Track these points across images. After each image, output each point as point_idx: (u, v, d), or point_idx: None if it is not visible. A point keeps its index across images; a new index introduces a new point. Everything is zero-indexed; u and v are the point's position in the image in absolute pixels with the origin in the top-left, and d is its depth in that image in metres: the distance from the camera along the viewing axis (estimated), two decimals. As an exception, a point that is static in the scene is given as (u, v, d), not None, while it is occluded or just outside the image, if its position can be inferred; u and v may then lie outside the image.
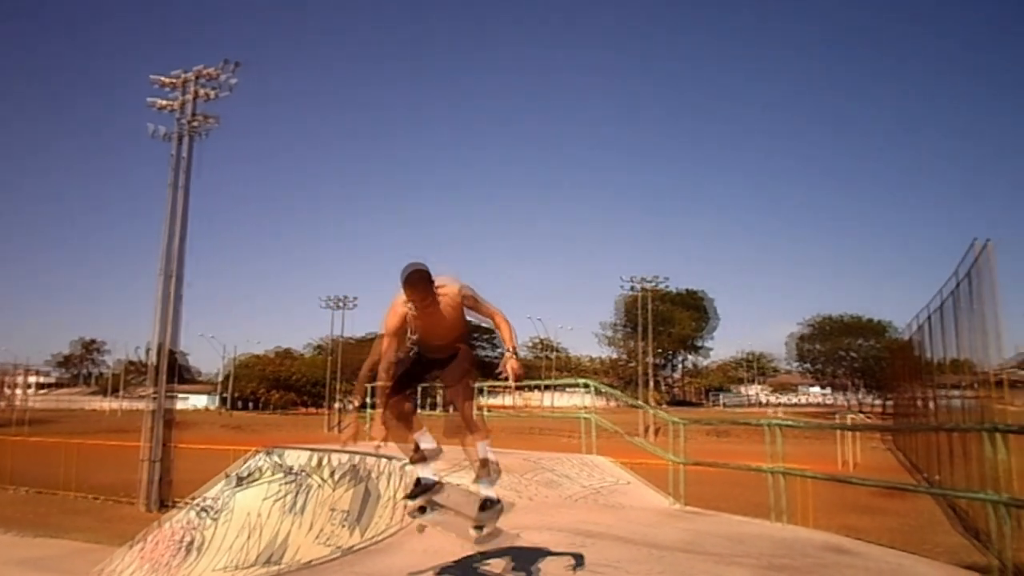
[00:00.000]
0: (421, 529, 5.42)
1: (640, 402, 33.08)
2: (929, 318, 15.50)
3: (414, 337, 4.75)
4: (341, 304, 66.77)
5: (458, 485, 5.70)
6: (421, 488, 5.02)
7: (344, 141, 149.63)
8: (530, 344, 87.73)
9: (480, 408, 11.85)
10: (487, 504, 4.95)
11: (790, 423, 10.00)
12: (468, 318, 4.91)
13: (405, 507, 5.11)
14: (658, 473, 10.07)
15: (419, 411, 5.06)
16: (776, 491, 7.51)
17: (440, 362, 4.92)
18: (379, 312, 5.04)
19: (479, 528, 4.92)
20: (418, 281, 4.48)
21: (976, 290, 9.53)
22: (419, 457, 4.95)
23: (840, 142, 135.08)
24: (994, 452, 5.95)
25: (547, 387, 71.13)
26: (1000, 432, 5.63)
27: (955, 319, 12.05)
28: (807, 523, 7.68)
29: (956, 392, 13.98)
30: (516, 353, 4.63)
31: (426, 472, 5.03)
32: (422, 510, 5.06)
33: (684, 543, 6.40)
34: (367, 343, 71.38)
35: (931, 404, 17.10)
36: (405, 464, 5.11)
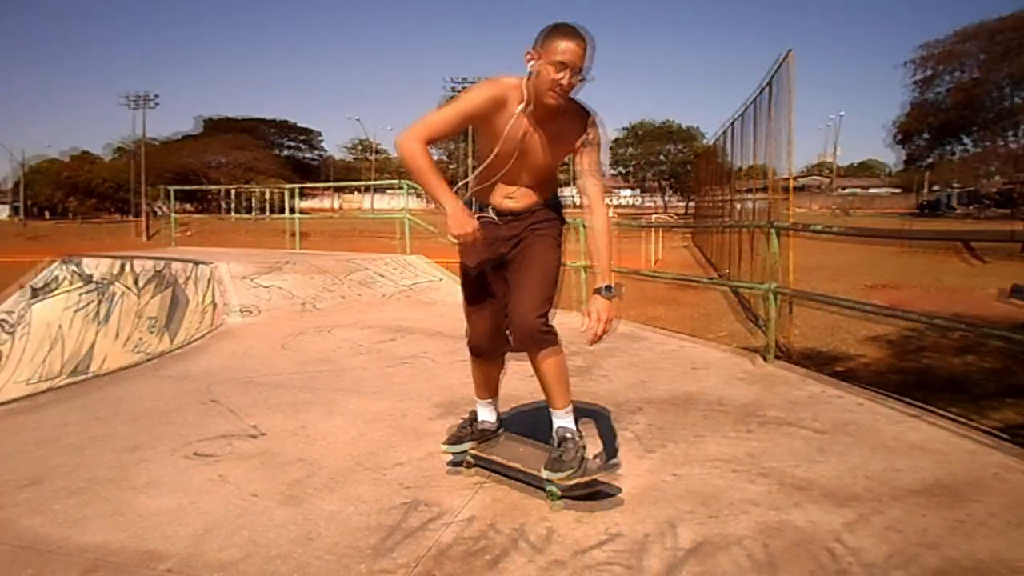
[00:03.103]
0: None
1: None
2: (732, 124, 16.31)
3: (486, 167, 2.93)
4: (142, 102, 61.34)
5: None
6: (471, 431, 3.35)
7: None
8: (349, 146, 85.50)
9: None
10: (564, 443, 2.96)
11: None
12: None
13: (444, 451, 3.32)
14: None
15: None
16: (582, 287, 8.01)
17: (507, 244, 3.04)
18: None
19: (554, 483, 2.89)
20: (588, 51, 2.74)
21: (776, 99, 10.00)
22: (465, 434, 3.33)
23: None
24: (768, 247, 6.60)
25: (367, 189, 70.23)
26: (776, 229, 6.21)
27: (754, 126, 12.75)
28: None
29: (750, 195, 15.08)
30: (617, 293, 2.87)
31: (487, 412, 3.40)
32: (461, 463, 3.32)
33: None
34: (174, 146, 67.01)
35: (727, 206, 18.37)
36: (443, 444, 3.31)
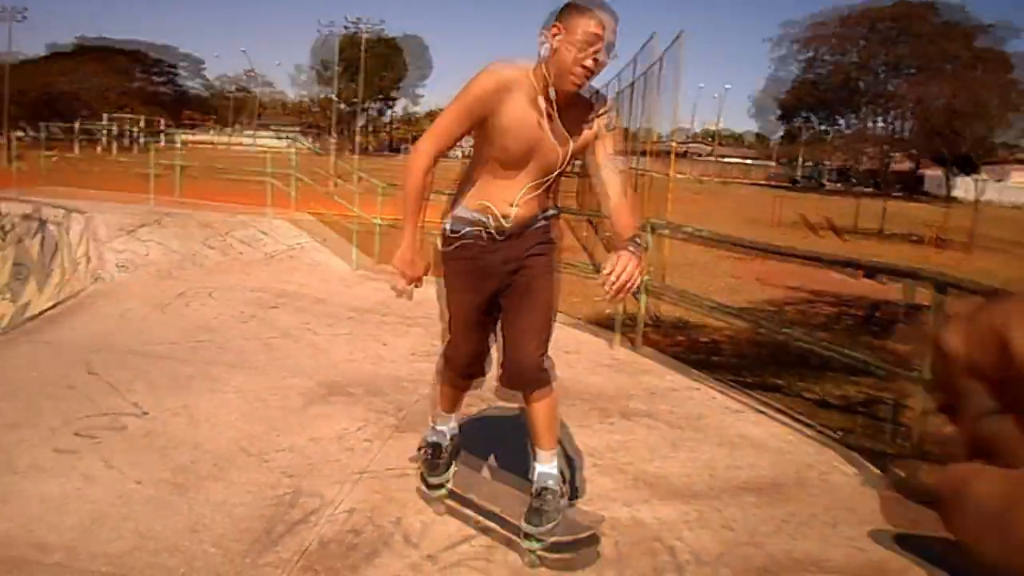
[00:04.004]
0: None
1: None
2: (620, 93, 16.86)
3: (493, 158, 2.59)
4: (8, 15, 56.52)
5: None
6: (450, 452, 3.10)
7: None
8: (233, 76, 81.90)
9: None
10: (544, 493, 2.75)
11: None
12: None
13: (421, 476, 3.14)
14: (360, 234, 10.44)
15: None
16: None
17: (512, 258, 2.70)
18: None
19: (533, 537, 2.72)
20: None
21: (664, 74, 10.67)
22: (444, 458, 3.08)
23: None
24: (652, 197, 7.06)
25: (251, 122, 67.84)
26: (652, 227, 6.59)
27: (643, 96, 13.34)
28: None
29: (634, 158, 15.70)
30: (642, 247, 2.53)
31: (445, 423, 3.12)
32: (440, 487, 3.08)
33: (375, 303, 6.92)
34: (42, 64, 62.18)
35: None
36: (429, 477, 3.10)
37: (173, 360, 4.83)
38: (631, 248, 2.41)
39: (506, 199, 2.63)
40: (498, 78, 2.46)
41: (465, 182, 2.70)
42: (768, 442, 4.11)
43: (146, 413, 3.89)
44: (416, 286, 2.65)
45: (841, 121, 48.38)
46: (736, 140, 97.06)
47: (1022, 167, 51.63)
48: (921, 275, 4.43)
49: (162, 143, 36.48)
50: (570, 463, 3.56)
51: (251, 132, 66.50)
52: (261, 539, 2.73)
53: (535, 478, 2.80)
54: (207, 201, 12.08)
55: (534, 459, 2.84)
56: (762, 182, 66.50)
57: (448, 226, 2.71)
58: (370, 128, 76.78)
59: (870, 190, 47.44)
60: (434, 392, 3.15)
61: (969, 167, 31.26)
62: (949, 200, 32.14)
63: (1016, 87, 30.95)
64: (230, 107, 76.84)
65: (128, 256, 7.72)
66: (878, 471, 3.79)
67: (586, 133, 2.60)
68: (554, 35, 2.41)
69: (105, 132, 40.77)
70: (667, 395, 4.82)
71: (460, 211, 2.69)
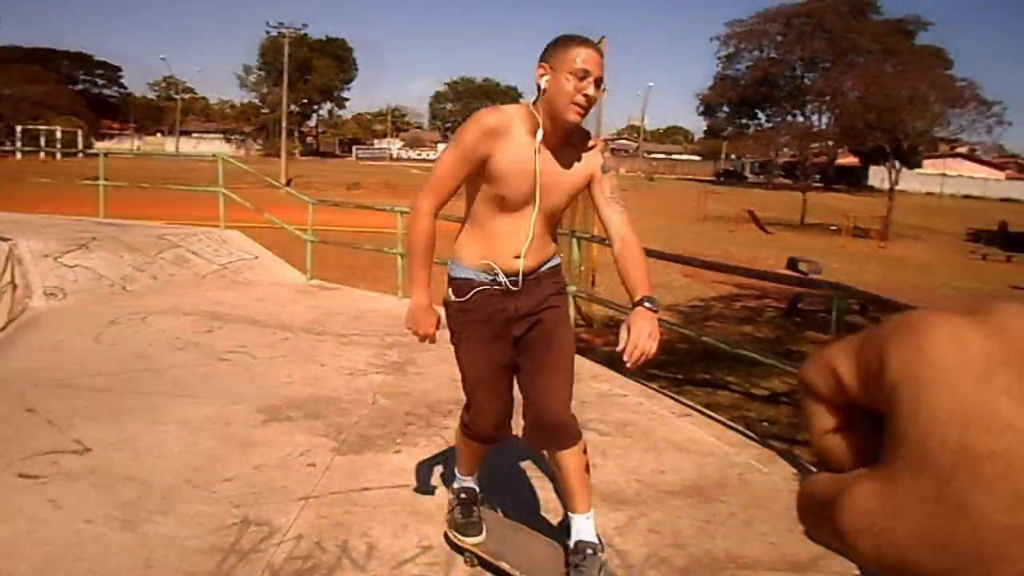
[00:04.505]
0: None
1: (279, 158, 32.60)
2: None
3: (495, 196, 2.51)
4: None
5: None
6: (478, 508, 3.06)
7: None
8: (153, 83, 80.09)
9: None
10: (585, 553, 2.66)
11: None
12: None
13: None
14: (291, 245, 10.45)
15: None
16: (400, 271, 8.33)
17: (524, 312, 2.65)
18: None
19: None
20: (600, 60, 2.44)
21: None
22: (475, 516, 3.03)
23: None
24: (570, 254, 7.28)
25: (171, 131, 66.40)
26: (577, 238, 6.81)
27: None
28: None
29: None
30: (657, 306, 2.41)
31: (468, 478, 3.07)
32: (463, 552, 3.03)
33: (310, 322, 7.01)
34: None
35: None
36: (456, 535, 3.03)
37: (111, 392, 4.87)
38: (648, 306, 2.34)
39: (511, 251, 2.56)
40: (483, 123, 2.43)
41: (464, 242, 2.62)
42: (692, 445, 4.38)
43: (88, 449, 3.94)
44: (430, 342, 2.64)
45: (761, 115, 49.74)
46: (686, 137, 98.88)
47: (941, 159, 53.79)
48: (825, 284, 4.74)
49: (79, 155, 35.47)
50: (503, 476, 3.76)
51: (170, 137, 65.02)
52: (214, 571, 2.86)
53: (574, 537, 2.69)
54: (132, 221, 11.91)
55: (570, 517, 2.72)
56: (690, 176, 67.93)
57: (452, 291, 2.63)
58: (296, 133, 75.79)
59: (788, 182, 48.85)
60: (457, 451, 3.05)
61: (900, 159, 32.56)
62: (884, 192, 33.41)
63: (930, 80, 32.29)
64: (150, 115, 75.00)
65: (56, 282, 7.62)
66: (792, 468, 4.10)
67: (583, 173, 2.57)
68: (541, 75, 2.43)
69: (15, 141, 39.49)
70: (597, 403, 5.06)
71: (463, 271, 2.60)
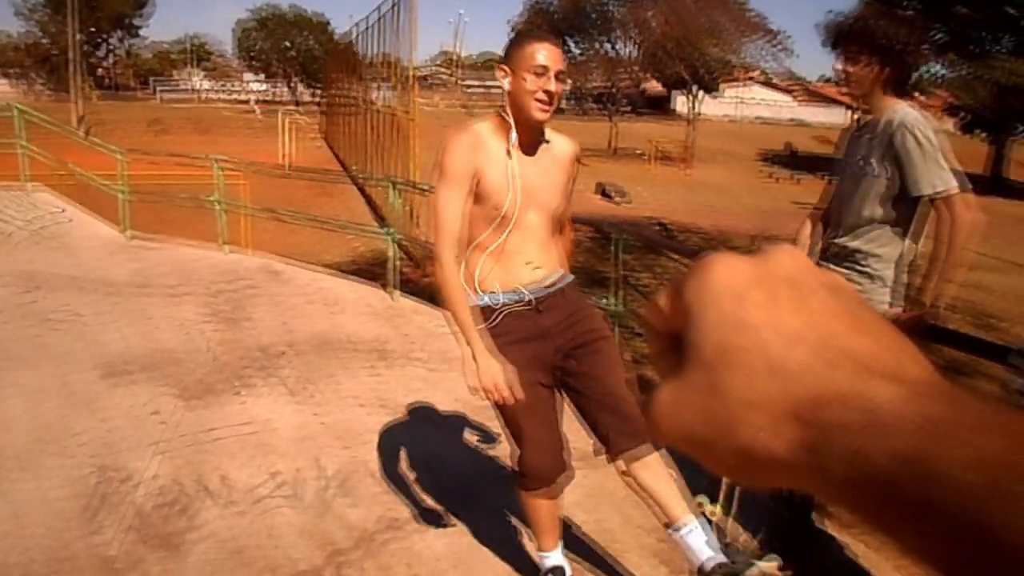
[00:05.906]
0: None
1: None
2: (367, 19, 17.04)
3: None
4: None
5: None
6: None
7: None
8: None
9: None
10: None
11: (232, 167, 10.61)
12: None
13: None
14: (101, 198, 10.15)
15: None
16: (221, 222, 8.44)
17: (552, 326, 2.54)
18: None
19: None
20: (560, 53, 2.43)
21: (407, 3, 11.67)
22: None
23: None
24: (387, 200, 7.65)
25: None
26: (392, 183, 7.23)
27: (392, 23, 13.82)
28: (249, 246, 8.78)
29: (383, 86, 16.04)
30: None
31: (551, 554, 2.73)
32: None
33: (135, 278, 7.08)
34: None
35: (361, 100, 18.80)
36: None
37: (-62, 365, 4.88)
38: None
39: (523, 261, 2.49)
40: (460, 142, 2.41)
41: (474, 269, 2.48)
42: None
43: (-70, 421, 4.06)
44: (515, 397, 2.38)
45: (572, 44, 51.00)
46: (478, 64, 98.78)
47: (742, 85, 57.12)
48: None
49: None
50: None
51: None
52: (84, 517, 3.20)
53: (698, 559, 2.47)
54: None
55: (674, 529, 2.50)
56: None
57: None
58: (86, 67, 69.92)
59: (598, 108, 50.74)
60: (531, 524, 2.74)
61: (700, 86, 34.66)
62: (681, 118, 35.39)
63: (725, 11, 34.31)
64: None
65: None
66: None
67: (564, 168, 2.57)
68: (502, 78, 2.41)
69: None
70: (419, 337, 5.63)
71: (482, 298, 2.47)
